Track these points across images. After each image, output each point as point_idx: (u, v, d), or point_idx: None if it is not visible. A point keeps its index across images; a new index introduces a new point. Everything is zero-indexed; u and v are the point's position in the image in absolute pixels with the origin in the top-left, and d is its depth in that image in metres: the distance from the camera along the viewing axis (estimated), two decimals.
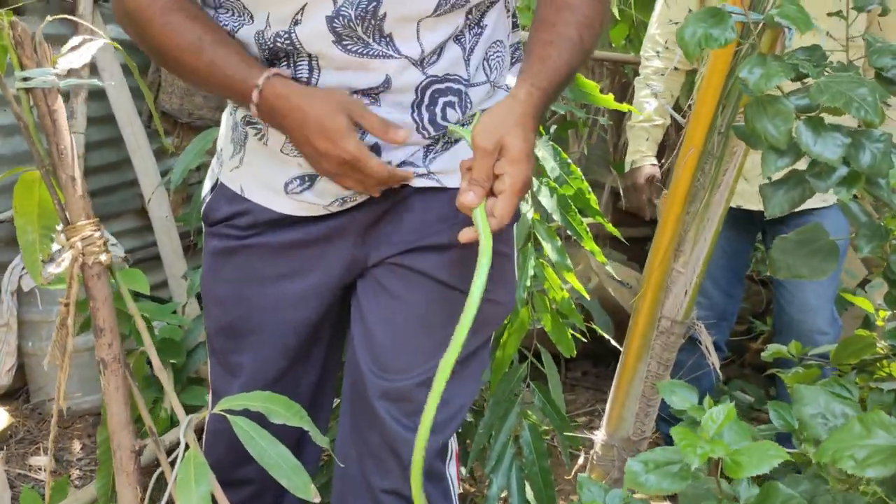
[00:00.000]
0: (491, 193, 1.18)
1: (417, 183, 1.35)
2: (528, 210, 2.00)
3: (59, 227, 1.27)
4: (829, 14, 1.42)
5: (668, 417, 2.49)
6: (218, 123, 1.62)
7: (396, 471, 1.37)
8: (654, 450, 1.07)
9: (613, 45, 3.59)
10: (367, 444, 1.40)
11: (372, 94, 1.28)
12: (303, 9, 1.22)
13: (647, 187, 2.68)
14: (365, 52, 1.25)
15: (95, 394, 2.89)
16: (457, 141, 1.35)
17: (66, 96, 2.78)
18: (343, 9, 1.21)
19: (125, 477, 1.23)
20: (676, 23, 2.49)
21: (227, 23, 1.29)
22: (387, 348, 1.37)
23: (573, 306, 2.10)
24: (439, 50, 1.29)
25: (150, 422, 1.27)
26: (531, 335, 2.15)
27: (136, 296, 2.34)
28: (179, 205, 3.29)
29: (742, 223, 2.53)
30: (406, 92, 1.28)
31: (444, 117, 1.31)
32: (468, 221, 1.20)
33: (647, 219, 2.93)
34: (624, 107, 2.10)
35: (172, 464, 1.13)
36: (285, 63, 1.28)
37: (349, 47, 1.25)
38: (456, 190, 1.35)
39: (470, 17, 1.30)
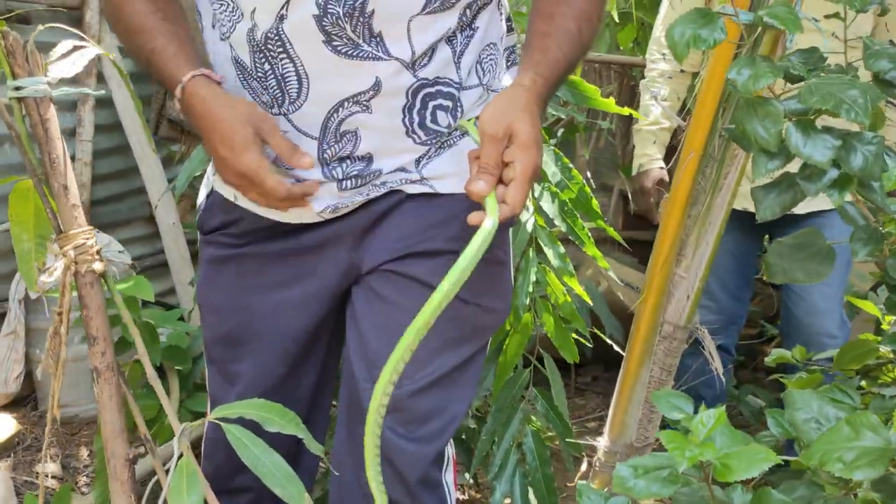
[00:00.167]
0: (499, 181, 1.17)
1: (410, 189, 1.34)
2: (529, 216, 1.99)
3: (53, 236, 1.27)
4: (827, 16, 1.40)
5: (671, 424, 2.46)
6: None
7: (391, 479, 1.36)
8: (644, 455, 1.06)
9: (621, 47, 3.57)
10: (362, 452, 1.39)
11: (362, 101, 1.27)
12: (287, 2, 1.22)
13: (655, 191, 2.65)
14: (355, 53, 1.25)
15: None
16: (450, 145, 1.34)
17: (73, 105, 2.79)
18: (330, 5, 1.21)
19: (119, 485, 1.23)
20: None
21: (224, 21, 1.29)
22: (381, 355, 1.36)
23: (576, 311, 2.09)
24: (430, 52, 1.28)
25: (146, 430, 1.27)
26: (535, 340, 2.13)
27: (144, 303, 2.34)
28: (188, 211, 3.31)
29: (749, 226, 2.50)
30: (397, 96, 1.28)
31: (434, 121, 1.31)
32: (463, 226, 1.18)
33: (655, 223, 2.90)
34: (625, 111, 2.09)
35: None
36: (272, 75, 1.27)
37: (339, 48, 1.24)
38: (449, 196, 1.35)
39: (462, 18, 1.30)
